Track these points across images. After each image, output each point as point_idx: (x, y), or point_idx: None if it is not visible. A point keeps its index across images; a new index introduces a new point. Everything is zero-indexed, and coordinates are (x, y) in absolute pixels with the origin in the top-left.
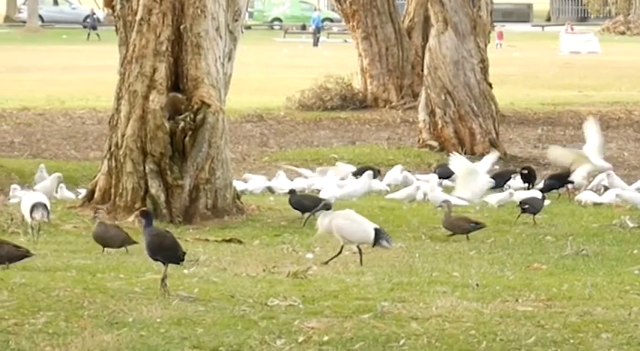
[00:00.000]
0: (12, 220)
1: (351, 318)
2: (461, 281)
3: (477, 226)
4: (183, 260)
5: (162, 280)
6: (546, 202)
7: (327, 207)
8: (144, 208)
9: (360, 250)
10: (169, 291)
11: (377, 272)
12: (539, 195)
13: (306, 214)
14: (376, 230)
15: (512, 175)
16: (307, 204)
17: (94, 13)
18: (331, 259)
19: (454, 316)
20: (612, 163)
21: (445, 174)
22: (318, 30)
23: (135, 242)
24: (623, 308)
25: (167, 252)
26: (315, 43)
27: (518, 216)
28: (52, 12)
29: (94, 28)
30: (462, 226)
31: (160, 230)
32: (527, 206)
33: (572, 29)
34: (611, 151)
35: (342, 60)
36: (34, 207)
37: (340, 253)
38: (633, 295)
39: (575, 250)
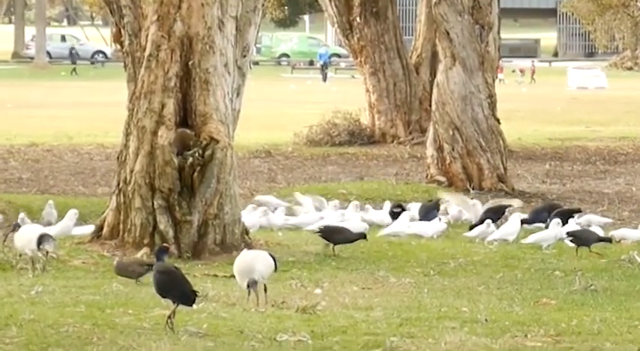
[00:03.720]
0: (20, 256)
1: None
2: (470, 316)
3: (150, 268)
4: (194, 301)
5: (169, 316)
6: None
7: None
8: (165, 245)
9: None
10: (175, 328)
11: (386, 307)
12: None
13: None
14: (270, 255)
15: (507, 210)
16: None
17: (73, 48)
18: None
19: None
20: (620, 199)
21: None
22: (325, 66)
23: None
24: (632, 343)
25: (177, 291)
26: (324, 79)
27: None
28: (60, 48)
29: (74, 62)
30: (134, 269)
31: (169, 267)
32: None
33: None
34: (619, 186)
35: (350, 95)
36: (42, 238)
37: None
38: None
39: (584, 285)
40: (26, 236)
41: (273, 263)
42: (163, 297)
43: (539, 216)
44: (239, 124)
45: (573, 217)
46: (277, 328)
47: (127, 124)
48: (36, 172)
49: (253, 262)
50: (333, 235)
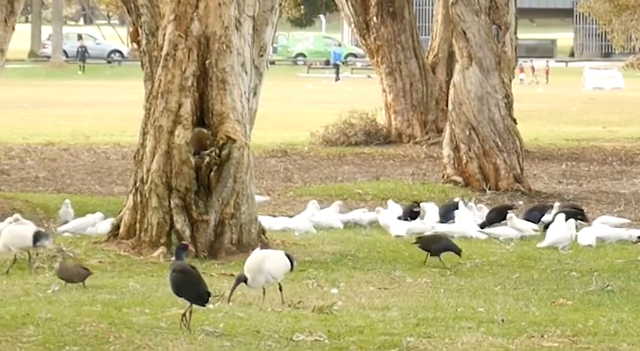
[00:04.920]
0: (37, 255)
1: None
2: (486, 317)
3: (89, 273)
4: (207, 301)
5: (184, 315)
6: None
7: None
8: (185, 242)
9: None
10: (192, 327)
11: (402, 307)
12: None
13: None
14: (287, 255)
15: (511, 210)
16: None
17: (82, 46)
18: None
19: None
20: (637, 199)
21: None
22: (337, 65)
23: None
24: None
25: (191, 291)
26: (337, 78)
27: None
28: (76, 47)
29: (83, 60)
30: (78, 272)
31: (186, 266)
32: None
33: None
34: (636, 186)
35: (366, 95)
36: (38, 235)
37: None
38: None
39: (601, 285)
40: (19, 234)
41: (287, 263)
42: (178, 296)
43: (531, 215)
44: (256, 124)
45: (578, 217)
46: (294, 328)
47: (143, 123)
48: (52, 171)
49: (263, 260)
50: (431, 244)
